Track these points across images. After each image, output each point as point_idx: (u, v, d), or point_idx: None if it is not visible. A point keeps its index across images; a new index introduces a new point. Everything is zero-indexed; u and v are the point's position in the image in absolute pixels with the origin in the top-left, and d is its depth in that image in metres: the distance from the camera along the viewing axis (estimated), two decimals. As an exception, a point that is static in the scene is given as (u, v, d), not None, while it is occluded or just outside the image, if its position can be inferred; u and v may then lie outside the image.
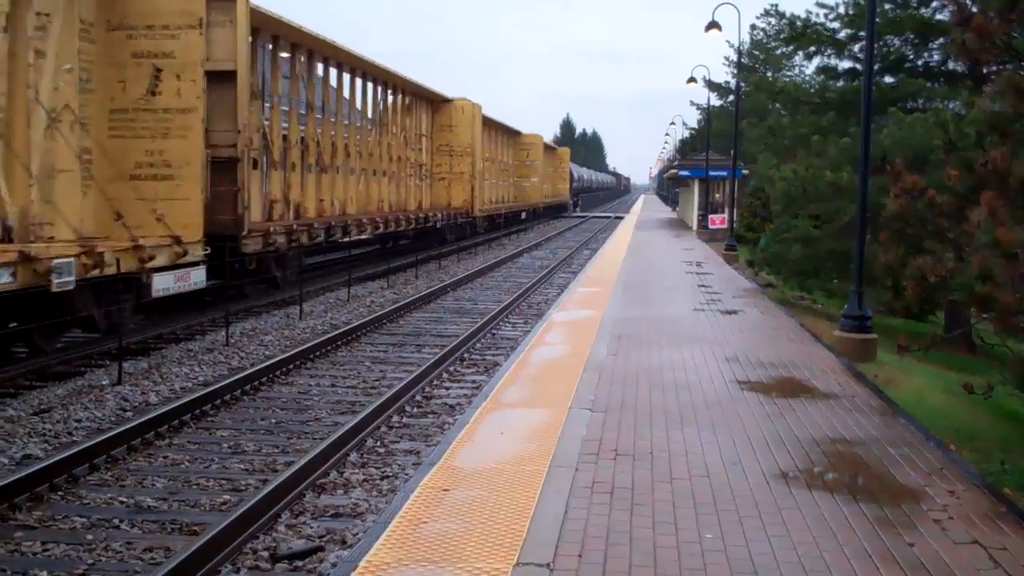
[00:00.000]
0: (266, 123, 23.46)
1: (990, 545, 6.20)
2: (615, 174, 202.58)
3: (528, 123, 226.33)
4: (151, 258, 16.10)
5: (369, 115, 32.57)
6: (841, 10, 25.27)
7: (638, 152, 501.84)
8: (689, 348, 13.81)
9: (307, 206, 25.99)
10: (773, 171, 23.78)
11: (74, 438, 10.74)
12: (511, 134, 60.28)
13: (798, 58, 35.48)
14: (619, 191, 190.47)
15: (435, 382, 13.99)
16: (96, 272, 14.66)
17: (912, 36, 24.04)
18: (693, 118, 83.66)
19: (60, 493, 8.86)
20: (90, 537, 7.82)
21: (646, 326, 15.91)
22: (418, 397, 13.01)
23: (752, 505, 6.92)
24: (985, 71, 20.19)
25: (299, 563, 7.39)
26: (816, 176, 20.63)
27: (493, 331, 18.99)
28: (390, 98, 34.72)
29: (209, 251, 18.01)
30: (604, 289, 21.39)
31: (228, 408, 12.29)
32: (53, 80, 14.95)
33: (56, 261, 13.69)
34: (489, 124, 49.04)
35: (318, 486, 9.19)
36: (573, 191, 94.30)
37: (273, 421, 11.78)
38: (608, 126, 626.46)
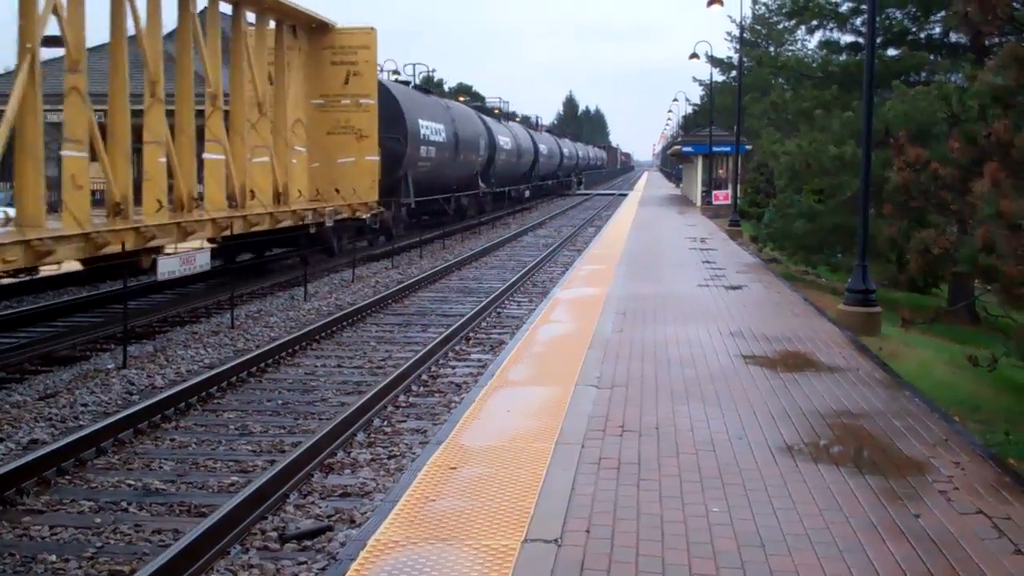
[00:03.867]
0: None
1: (995, 515, 6.22)
2: (608, 147, 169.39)
3: (526, 103, 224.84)
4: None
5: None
6: (842, -17, 25.17)
7: (641, 129, 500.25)
8: (694, 324, 13.82)
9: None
10: (776, 146, 23.78)
11: (80, 422, 10.75)
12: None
13: (800, 32, 35.31)
14: (614, 169, 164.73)
15: (441, 361, 14.00)
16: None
17: (914, 8, 23.91)
18: (696, 94, 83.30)
19: (68, 477, 8.88)
20: (98, 520, 7.84)
21: (651, 303, 15.92)
22: (424, 376, 13.03)
23: (758, 479, 6.94)
24: (987, 43, 20.13)
25: (308, 543, 7.42)
26: (819, 150, 20.61)
27: (498, 310, 19.00)
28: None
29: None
30: (608, 266, 21.40)
31: (234, 390, 12.31)
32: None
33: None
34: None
35: (326, 466, 9.21)
36: (417, 182, 33.37)
37: (280, 402, 11.80)
38: (610, 104, 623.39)
